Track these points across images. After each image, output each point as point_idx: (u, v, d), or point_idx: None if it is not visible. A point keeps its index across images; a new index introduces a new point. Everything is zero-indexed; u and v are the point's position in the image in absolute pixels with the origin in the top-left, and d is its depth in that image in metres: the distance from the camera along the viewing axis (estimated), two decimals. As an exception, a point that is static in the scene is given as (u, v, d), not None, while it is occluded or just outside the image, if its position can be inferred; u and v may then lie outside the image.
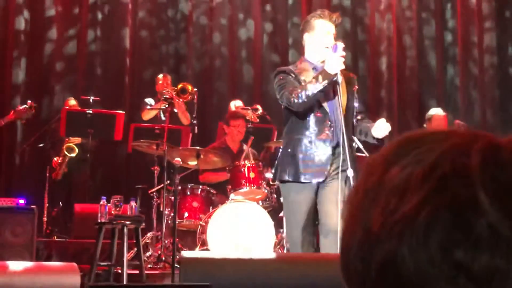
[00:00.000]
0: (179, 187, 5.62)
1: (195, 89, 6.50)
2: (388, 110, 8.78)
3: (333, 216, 3.67)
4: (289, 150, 3.85)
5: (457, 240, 0.54)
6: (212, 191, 5.93)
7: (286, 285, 3.04)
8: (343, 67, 3.72)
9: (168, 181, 5.60)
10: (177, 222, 5.28)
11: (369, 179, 0.60)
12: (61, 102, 7.35)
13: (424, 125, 6.51)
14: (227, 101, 7.57)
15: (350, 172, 3.59)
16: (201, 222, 5.59)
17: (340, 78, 3.71)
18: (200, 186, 5.93)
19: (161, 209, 5.68)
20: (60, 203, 6.98)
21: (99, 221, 4.71)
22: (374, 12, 9.02)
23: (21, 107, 6.28)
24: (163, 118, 6.82)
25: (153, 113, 6.80)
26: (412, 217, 0.55)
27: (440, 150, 0.58)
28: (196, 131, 6.56)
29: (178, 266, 4.05)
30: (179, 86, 6.63)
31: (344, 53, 3.73)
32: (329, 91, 3.77)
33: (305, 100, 3.70)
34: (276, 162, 3.96)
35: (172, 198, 5.56)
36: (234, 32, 8.75)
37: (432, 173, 0.56)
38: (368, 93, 8.87)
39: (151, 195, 6.08)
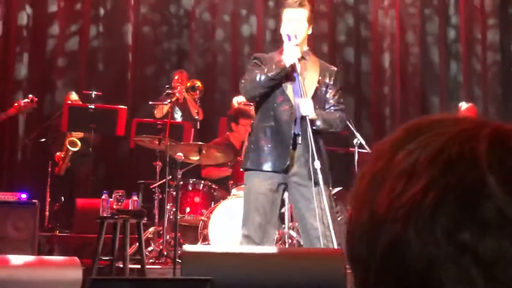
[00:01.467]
0: (181, 182, 5.62)
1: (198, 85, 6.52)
2: (391, 107, 8.77)
3: (310, 213, 3.60)
4: (253, 138, 3.79)
5: (463, 222, 0.54)
6: (214, 186, 5.92)
7: (287, 280, 3.04)
8: (298, 55, 3.63)
9: (170, 176, 5.60)
10: (179, 217, 5.29)
11: (376, 164, 0.60)
12: (63, 98, 7.33)
13: None
14: (230, 98, 7.55)
15: (317, 164, 3.47)
16: (202, 217, 5.58)
17: (299, 67, 3.62)
18: (202, 181, 5.92)
19: (163, 204, 5.68)
20: (62, 197, 6.97)
21: (101, 215, 4.71)
22: (377, 8, 9.00)
23: (22, 101, 6.30)
24: (175, 115, 6.81)
25: (164, 110, 6.72)
26: (418, 200, 0.55)
27: (448, 135, 0.57)
28: (198, 126, 6.56)
29: (180, 261, 4.04)
30: (188, 83, 6.64)
31: (297, 41, 3.65)
32: (292, 79, 3.69)
33: (249, 89, 3.70)
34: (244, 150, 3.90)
35: (174, 193, 5.56)
36: (237, 29, 8.74)
37: (439, 157, 0.56)
38: (370, 90, 8.86)
39: (153, 190, 6.08)
